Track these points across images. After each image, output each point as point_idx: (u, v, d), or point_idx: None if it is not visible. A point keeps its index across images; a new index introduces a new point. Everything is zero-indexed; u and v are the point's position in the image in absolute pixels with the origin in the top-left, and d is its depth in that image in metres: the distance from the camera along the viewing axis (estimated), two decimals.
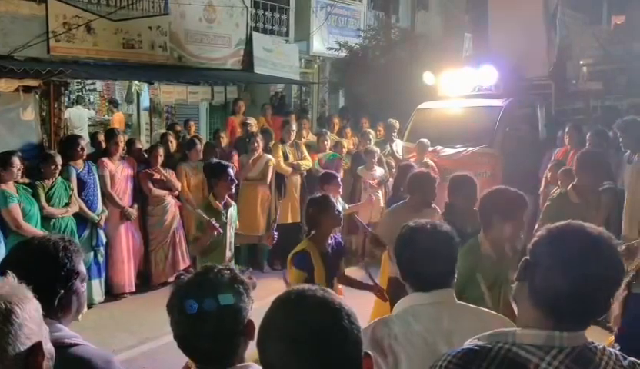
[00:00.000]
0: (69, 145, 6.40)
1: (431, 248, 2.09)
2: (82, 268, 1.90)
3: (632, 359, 1.45)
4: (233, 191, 4.81)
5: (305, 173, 8.26)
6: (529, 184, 6.35)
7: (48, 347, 1.26)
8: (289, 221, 8.13)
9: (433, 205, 4.57)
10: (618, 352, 1.45)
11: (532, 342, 1.42)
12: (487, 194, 3.16)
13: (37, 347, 1.21)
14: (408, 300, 2.10)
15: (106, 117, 11.90)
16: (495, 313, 2.14)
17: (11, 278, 1.25)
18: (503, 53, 8.81)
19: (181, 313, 1.60)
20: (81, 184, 6.28)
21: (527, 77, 8.97)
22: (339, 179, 5.80)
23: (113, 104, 11.84)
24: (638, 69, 9.16)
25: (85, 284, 1.93)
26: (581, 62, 10.70)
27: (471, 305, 2.14)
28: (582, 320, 1.45)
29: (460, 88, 8.61)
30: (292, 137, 8.19)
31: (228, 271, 1.66)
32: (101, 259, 6.46)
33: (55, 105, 8.68)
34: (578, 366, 1.39)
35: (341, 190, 5.64)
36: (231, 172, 4.71)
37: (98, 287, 6.45)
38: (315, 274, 3.64)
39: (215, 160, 5.74)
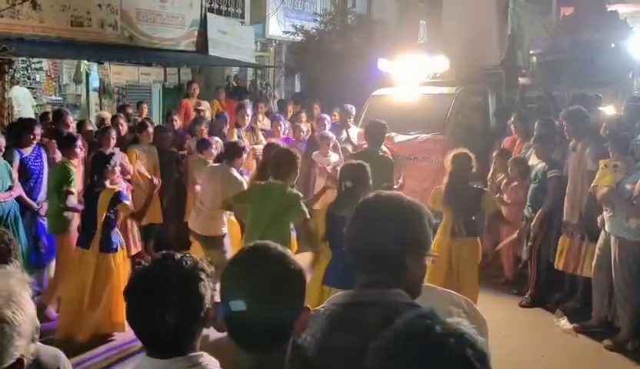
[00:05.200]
0: (23, 130, 6.04)
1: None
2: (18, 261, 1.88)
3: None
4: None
5: (260, 158, 8.20)
6: (480, 171, 6.51)
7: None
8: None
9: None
10: None
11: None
12: None
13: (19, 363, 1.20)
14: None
15: (53, 97, 11.47)
16: (444, 289, 2.10)
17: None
18: (456, 41, 8.93)
19: (141, 297, 1.58)
20: (25, 171, 5.95)
21: (479, 66, 9.14)
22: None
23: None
24: (584, 60, 9.44)
25: None
26: (530, 52, 10.95)
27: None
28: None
29: (414, 75, 8.70)
30: (247, 122, 8.12)
31: (191, 258, 1.65)
32: (42, 250, 6.23)
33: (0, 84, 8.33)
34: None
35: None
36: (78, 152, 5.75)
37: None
38: None
39: (68, 132, 6.48)
